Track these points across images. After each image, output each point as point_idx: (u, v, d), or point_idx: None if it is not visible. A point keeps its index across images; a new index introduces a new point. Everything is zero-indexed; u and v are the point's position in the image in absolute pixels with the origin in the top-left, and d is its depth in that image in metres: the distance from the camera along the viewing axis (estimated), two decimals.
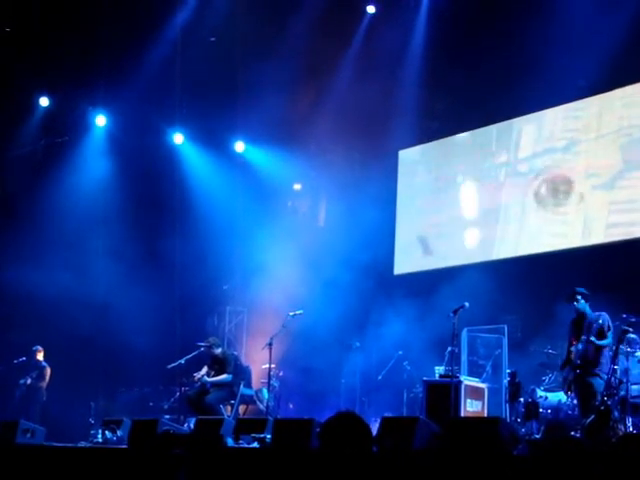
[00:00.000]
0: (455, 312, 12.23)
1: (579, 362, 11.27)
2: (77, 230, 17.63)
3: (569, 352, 11.62)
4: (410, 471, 6.90)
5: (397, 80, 17.42)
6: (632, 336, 11.27)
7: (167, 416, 15.02)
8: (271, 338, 13.89)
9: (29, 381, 16.34)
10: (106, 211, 18.26)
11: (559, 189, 15.70)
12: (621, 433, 9.87)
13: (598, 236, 14.94)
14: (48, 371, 16.51)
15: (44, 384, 16.44)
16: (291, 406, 17.20)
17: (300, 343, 17.30)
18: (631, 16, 14.05)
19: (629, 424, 10.34)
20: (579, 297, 11.57)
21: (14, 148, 18.44)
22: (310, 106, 18.15)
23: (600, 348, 11.19)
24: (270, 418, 10.31)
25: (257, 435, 9.29)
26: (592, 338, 11.13)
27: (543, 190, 15.94)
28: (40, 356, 16.64)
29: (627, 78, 14.79)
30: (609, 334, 11.19)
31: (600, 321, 11.13)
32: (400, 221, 18.46)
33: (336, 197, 19.91)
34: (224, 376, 13.74)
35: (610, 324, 11.22)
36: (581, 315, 11.54)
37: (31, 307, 17.03)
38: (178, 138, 19.32)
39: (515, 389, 13.07)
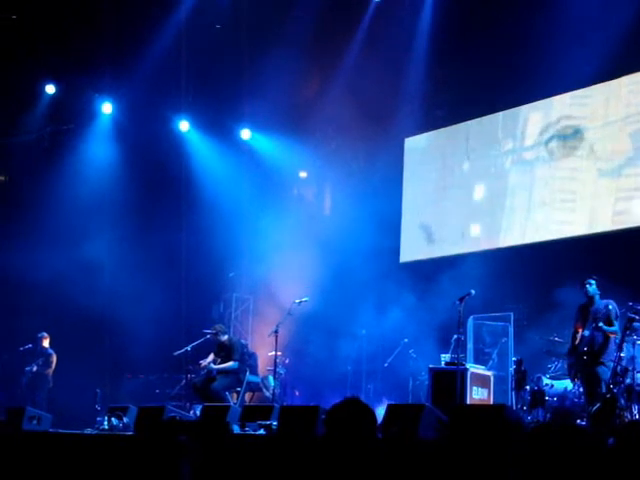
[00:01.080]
0: (461, 300, 12.22)
1: (586, 349, 11.27)
2: (83, 217, 17.62)
3: (574, 338, 11.65)
4: (416, 458, 6.90)
5: (403, 68, 17.37)
6: (638, 324, 11.26)
7: (173, 403, 15.03)
8: (277, 325, 13.92)
9: (35, 368, 16.34)
10: (112, 199, 18.27)
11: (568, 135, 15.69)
12: (627, 421, 9.88)
13: (605, 224, 14.90)
14: (54, 358, 16.51)
15: (50, 371, 16.46)
16: (297, 393, 17.22)
17: (306, 330, 17.32)
18: (638, 3, 14.00)
19: (635, 412, 10.35)
20: (592, 281, 11.60)
21: (20, 135, 18.44)
22: (316, 94, 18.15)
23: (608, 336, 11.20)
24: (276, 405, 10.33)
25: (263, 422, 9.31)
26: (600, 324, 11.14)
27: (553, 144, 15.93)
28: (46, 343, 16.66)
29: (634, 65, 14.73)
30: (616, 322, 11.19)
31: (610, 307, 11.14)
32: (406, 209, 18.43)
33: (342, 185, 19.88)
34: (230, 363, 13.77)
35: (617, 311, 11.23)
36: (590, 300, 11.57)
37: (37, 294, 17.06)
38: (184, 125, 19.28)
39: (521, 377, 13.06)
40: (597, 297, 11.59)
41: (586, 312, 11.56)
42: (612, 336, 11.19)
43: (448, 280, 14.84)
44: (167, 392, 16.89)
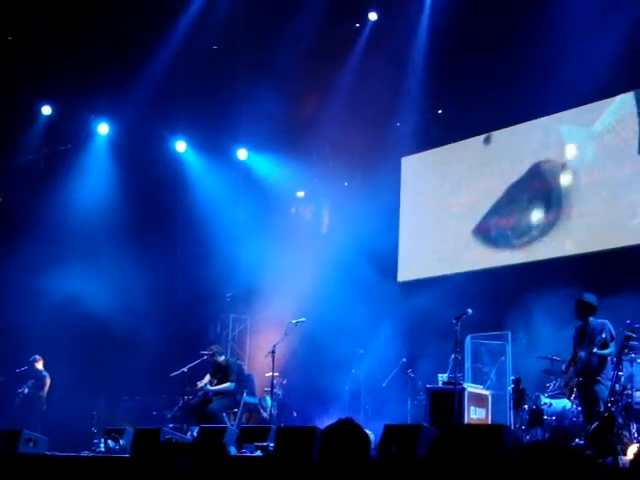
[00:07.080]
0: (458, 319, 12.16)
1: (582, 370, 11.23)
2: (79, 239, 17.60)
3: (572, 359, 11.57)
4: (413, 478, 6.86)
5: (399, 87, 17.39)
6: (635, 343, 11.19)
7: (170, 425, 14.98)
8: (274, 346, 13.86)
9: (26, 390, 16.17)
10: (108, 219, 18.21)
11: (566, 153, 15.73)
12: (625, 440, 9.82)
13: (603, 242, 14.87)
14: (48, 380, 16.36)
15: (43, 393, 16.29)
16: (294, 414, 17.14)
17: (303, 351, 17.27)
18: (634, 23, 14.03)
19: (633, 430, 10.29)
20: (583, 304, 11.54)
21: (16, 156, 18.43)
22: (312, 113, 18.15)
23: (604, 357, 11.16)
24: (273, 426, 10.29)
25: (260, 443, 9.28)
26: (595, 350, 11.07)
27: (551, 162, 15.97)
28: (39, 365, 16.50)
29: (631, 85, 14.76)
30: (612, 343, 11.13)
31: (603, 335, 11.07)
32: (403, 228, 18.41)
33: (339, 204, 19.89)
34: (227, 384, 13.71)
35: (613, 332, 11.16)
36: (585, 322, 11.51)
37: (33, 316, 16.98)
38: (181, 146, 19.32)
39: (519, 396, 12.98)
40: (591, 317, 11.53)
41: (582, 333, 11.51)
42: (607, 357, 11.15)
43: (445, 299, 14.78)
44: (164, 414, 16.82)
